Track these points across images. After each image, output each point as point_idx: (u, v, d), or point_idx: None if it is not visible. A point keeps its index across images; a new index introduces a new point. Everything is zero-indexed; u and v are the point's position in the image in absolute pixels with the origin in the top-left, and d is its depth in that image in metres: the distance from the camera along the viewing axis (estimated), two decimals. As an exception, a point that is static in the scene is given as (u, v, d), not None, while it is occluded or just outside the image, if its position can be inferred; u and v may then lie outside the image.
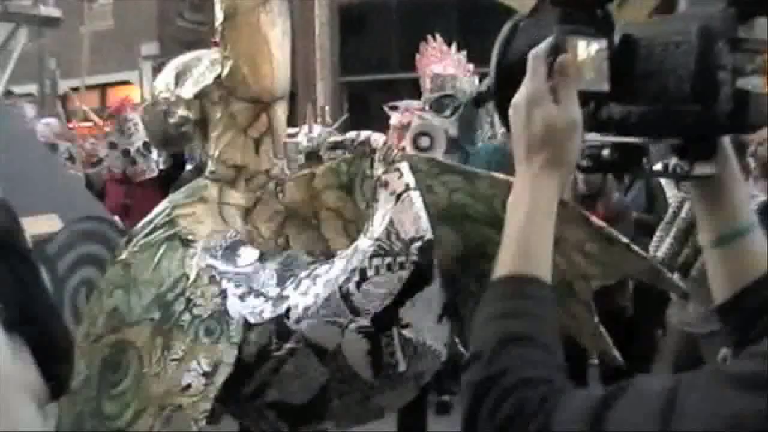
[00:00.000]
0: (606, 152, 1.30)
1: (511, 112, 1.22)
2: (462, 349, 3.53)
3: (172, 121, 3.53)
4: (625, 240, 2.80)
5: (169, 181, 5.87)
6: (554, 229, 1.25)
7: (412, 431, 4.98)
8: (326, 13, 14.41)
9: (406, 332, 2.81)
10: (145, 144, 6.45)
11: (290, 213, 3.40)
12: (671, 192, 5.53)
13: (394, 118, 5.64)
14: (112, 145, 6.63)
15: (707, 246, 1.33)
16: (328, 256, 3.22)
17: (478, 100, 4.52)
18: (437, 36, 4.89)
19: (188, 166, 6.11)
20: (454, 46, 4.80)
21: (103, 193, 6.52)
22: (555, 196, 1.22)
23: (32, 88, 15.23)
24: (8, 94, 7.03)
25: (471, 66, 4.72)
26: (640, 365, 6.46)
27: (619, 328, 3.83)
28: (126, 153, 6.47)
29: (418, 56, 4.95)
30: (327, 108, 7.48)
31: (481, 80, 5.06)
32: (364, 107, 4.57)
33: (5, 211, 2.14)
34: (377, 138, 2.94)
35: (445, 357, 3.01)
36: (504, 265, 1.20)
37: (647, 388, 1.00)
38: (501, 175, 2.91)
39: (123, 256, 3.28)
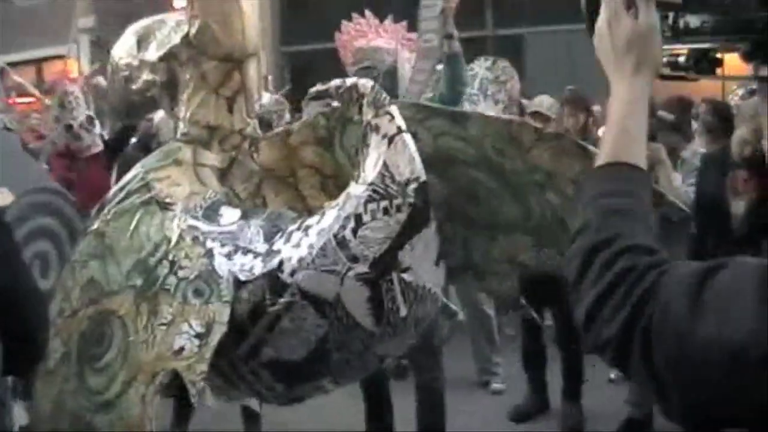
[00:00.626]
0: (682, 59, 1.43)
1: (596, 38, 1.38)
2: (450, 304, 3.54)
3: (135, 87, 3.45)
4: None
5: (114, 154, 5.74)
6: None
7: (377, 401, 4.94)
8: (267, -19, 14.30)
9: (405, 276, 2.78)
10: (88, 118, 6.30)
11: (266, 172, 3.35)
12: None
13: None
14: (57, 120, 6.45)
15: None
16: (309, 213, 3.18)
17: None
18: (366, 12, 4.97)
19: (132, 140, 5.98)
20: (389, 19, 4.86)
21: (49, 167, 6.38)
22: (646, 94, 1.36)
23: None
24: None
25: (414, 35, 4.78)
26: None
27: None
28: (69, 128, 6.29)
29: (337, 33, 5.04)
30: (270, 78, 7.40)
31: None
32: (306, 77, 4.56)
33: None
34: (365, 83, 2.90)
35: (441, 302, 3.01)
36: (604, 154, 1.33)
37: (748, 261, 1.10)
38: (493, 115, 2.91)
39: (95, 226, 3.18)
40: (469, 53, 6.38)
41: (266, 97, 5.84)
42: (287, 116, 5.91)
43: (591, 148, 2.81)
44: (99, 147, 6.32)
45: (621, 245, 1.19)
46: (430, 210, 2.79)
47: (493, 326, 6.15)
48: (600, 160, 1.34)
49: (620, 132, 1.33)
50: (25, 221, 3.35)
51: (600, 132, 7.24)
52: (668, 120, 4.52)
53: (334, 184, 3.29)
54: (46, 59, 17.95)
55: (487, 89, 6.22)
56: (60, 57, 16.84)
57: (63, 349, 3.11)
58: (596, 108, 8.50)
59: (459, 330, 6.34)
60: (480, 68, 6.25)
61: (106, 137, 6.33)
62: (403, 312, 2.80)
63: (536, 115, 5.30)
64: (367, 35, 4.85)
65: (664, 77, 1.44)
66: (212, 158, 3.25)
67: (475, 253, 3.25)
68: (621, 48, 1.34)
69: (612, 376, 6.04)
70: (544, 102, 5.51)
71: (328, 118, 3.17)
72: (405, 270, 2.77)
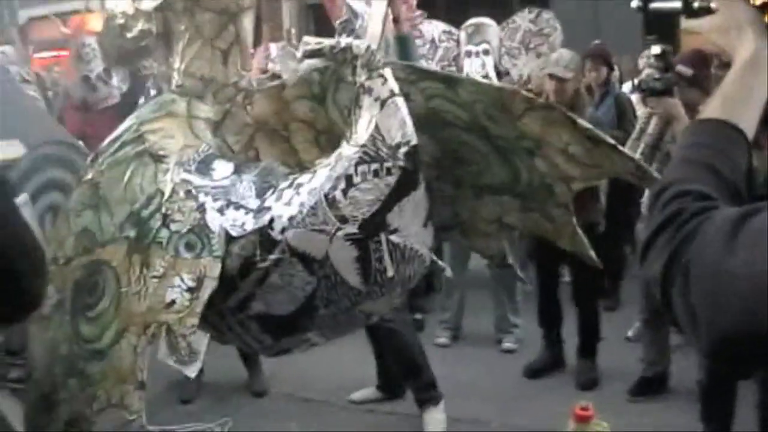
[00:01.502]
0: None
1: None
2: (438, 261, 3.61)
3: (130, 35, 3.45)
4: (610, 141, 2.87)
5: (129, 107, 5.81)
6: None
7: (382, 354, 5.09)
8: (291, -68, 14.21)
9: (393, 237, 2.85)
10: (105, 70, 6.35)
11: (259, 125, 3.39)
12: (641, 110, 5.66)
13: None
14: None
15: None
16: (301, 167, 3.23)
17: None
18: None
19: (152, 92, 6.03)
20: None
21: (61, 120, 6.50)
22: (760, 61, 1.39)
23: (-10, 18, 16.93)
24: None
25: None
26: (611, 281, 6.63)
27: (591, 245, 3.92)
28: (86, 79, 6.36)
29: None
30: (293, 31, 7.42)
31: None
32: (331, 30, 4.64)
33: None
34: (359, 44, 2.93)
35: (429, 262, 3.08)
36: (708, 110, 1.40)
37: None
38: (485, 80, 2.94)
39: (89, 176, 3.23)
40: (494, 6, 6.31)
41: (274, 49, 5.88)
42: None
43: (581, 120, 2.86)
44: (115, 99, 6.45)
45: (679, 189, 1.28)
46: (419, 173, 2.85)
47: (516, 283, 6.08)
48: (702, 116, 1.40)
49: (727, 92, 1.39)
50: (36, 173, 3.41)
51: (624, 87, 7.25)
52: (687, 75, 4.49)
53: (327, 139, 3.34)
54: (70, 13, 18.62)
55: (530, 42, 6.15)
56: (74, 12, 17.37)
57: (57, 296, 3.18)
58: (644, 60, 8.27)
59: (483, 287, 6.42)
60: (523, 21, 6.19)
61: (124, 89, 6.42)
62: (390, 272, 2.87)
63: (551, 76, 5.22)
64: None
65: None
66: (206, 110, 3.28)
67: (463, 212, 3.32)
68: (728, 35, 1.43)
69: (629, 333, 6.04)
70: (562, 58, 5.32)
71: (323, 74, 3.20)
72: (393, 231, 2.84)
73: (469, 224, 3.35)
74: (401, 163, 2.77)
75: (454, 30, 6.14)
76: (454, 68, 5.58)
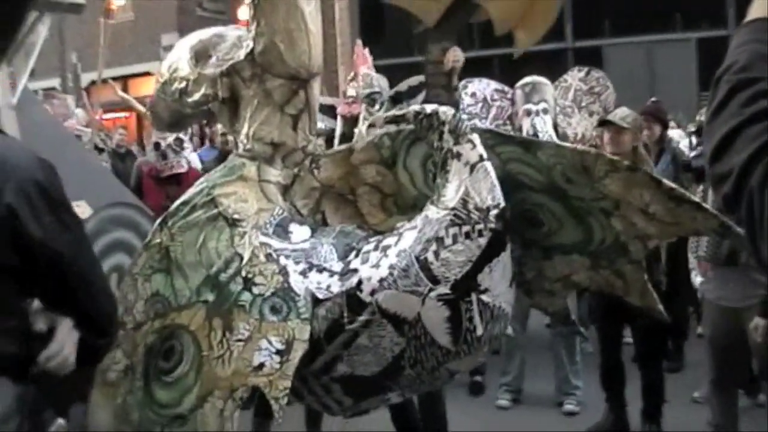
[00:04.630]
0: None
1: None
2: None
3: (190, 99, 3.57)
4: (695, 199, 3.07)
5: None
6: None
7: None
8: (345, -2, 14.71)
9: (484, 297, 2.99)
10: (177, 140, 6.47)
11: (326, 189, 3.52)
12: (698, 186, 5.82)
13: (342, 108, 5.93)
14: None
15: None
16: (376, 231, 3.37)
17: (396, 98, 5.06)
18: (359, 41, 5.36)
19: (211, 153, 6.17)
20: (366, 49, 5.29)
21: (136, 184, 6.73)
22: None
23: (55, 81, 17.95)
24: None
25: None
26: (674, 341, 6.63)
27: None
28: (157, 146, 6.51)
29: (354, 56, 5.37)
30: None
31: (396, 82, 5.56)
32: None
33: (54, 172, 2.14)
34: (446, 110, 3.10)
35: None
36: (760, 11, 1.41)
37: None
38: (567, 144, 3.11)
39: (158, 240, 3.32)
40: (549, 65, 6.42)
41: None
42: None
43: (665, 181, 3.06)
44: (183, 168, 6.63)
45: (764, 87, 1.27)
46: (508, 234, 3.02)
47: (576, 344, 6.10)
48: (752, 17, 1.41)
49: None
50: (102, 234, 3.52)
51: (681, 145, 7.44)
52: None
53: (393, 202, 3.49)
54: (131, 76, 19.46)
55: (581, 100, 6.28)
56: (146, 74, 18.17)
57: (126, 362, 3.25)
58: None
59: (544, 349, 6.48)
60: (573, 79, 6.33)
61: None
62: (480, 332, 3.01)
63: (607, 123, 5.31)
64: (365, 62, 5.23)
65: None
66: (276, 174, 3.42)
67: (528, 272, 3.48)
68: None
69: (696, 395, 5.99)
70: (622, 111, 5.43)
71: (394, 139, 3.35)
72: (484, 291, 2.98)
73: (534, 284, 3.52)
74: (492, 225, 2.93)
75: (506, 88, 6.24)
76: (509, 127, 5.73)
